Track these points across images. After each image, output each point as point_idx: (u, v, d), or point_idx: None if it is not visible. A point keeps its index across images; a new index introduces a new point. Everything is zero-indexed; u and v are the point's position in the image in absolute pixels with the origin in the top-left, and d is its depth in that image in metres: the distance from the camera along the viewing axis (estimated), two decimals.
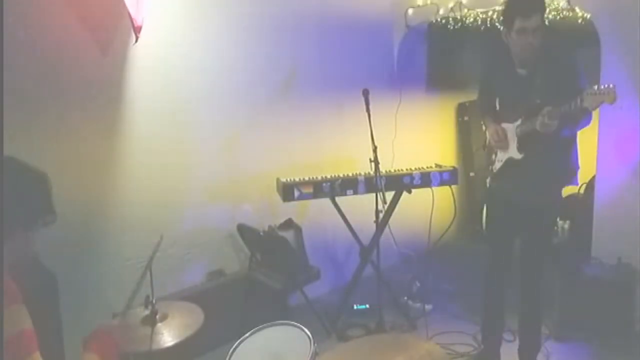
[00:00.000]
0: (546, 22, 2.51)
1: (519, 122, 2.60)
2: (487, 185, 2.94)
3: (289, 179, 3.37)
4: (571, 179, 2.69)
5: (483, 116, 2.92)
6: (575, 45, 3.83)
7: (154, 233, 3.15)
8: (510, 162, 2.69)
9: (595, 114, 3.36)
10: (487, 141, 2.90)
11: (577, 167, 2.66)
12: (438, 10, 4.06)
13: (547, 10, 3.52)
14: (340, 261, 4.28)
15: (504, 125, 2.70)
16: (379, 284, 3.32)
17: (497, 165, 2.78)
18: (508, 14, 2.51)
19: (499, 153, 2.78)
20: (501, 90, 2.74)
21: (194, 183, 3.34)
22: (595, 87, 2.21)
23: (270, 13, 3.60)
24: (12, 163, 1.41)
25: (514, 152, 2.65)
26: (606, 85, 2.18)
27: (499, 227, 2.88)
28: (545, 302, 2.82)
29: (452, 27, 4.19)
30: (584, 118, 2.51)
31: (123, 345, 1.82)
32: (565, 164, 2.64)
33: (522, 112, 2.57)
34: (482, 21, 4.04)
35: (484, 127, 2.92)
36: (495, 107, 2.79)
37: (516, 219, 2.73)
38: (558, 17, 3.65)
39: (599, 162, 3.45)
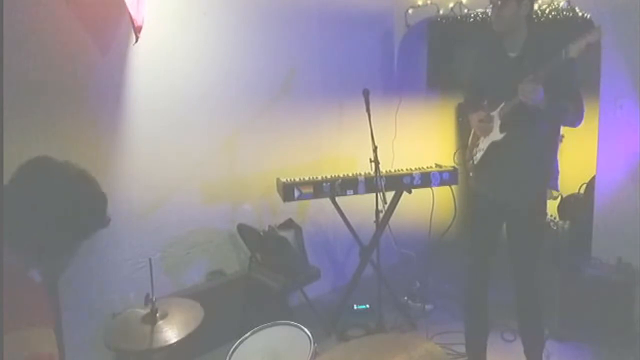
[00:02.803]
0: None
1: (502, 105, 2.55)
2: (468, 181, 2.90)
3: (289, 179, 3.37)
4: (552, 180, 2.66)
5: (469, 113, 2.83)
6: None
7: (154, 233, 3.18)
8: (492, 147, 2.63)
9: (595, 115, 3.39)
10: (470, 138, 2.84)
11: (557, 171, 2.64)
12: (438, 10, 4.07)
13: (546, 8, 3.54)
14: (340, 261, 4.28)
15: (491, 114, 2.65)
16: (379, 284, 3.32)
17: (479, 155, 2.72)
18: None
19: (480, 143, 2.71)
20: (490, 78, 2.68)
21: (194, 183, 3.35)
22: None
23: (270, 13, 3.61)
24: (70, 170, 1.32)
25: (495, 135, 2.60)
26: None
27: (481, 222, 2.80)
28: (543, 299, 2.78)
29: (452, 27, 4.19)
30: (573, 106, 2.45)
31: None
32: (547, 158, 2.61)
33: (506, 95, 2.50)
34: (482, 21, 4.04)
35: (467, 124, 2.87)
36: (481, 102, 2.72)
37: (499, 211, 2.67)
38: (558, 17, 3.65)
39: (599, 162, 3.45)
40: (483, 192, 2.75)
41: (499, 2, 2.46)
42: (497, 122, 2.60)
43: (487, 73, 2.70)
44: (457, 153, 3.25)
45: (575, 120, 2.54)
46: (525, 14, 2.50)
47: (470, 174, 2.85)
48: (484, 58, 2.77)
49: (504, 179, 2.62)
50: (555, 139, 2.63)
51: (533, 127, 2.50)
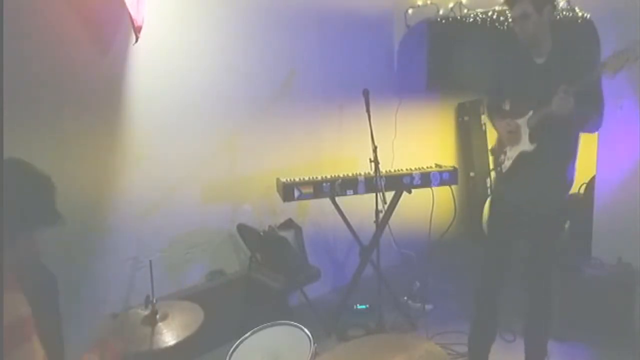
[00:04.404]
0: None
1: (530, 114, 2.53)
2: (491, 186, 2.91)
3: (289, 179, 3.37)
4: (569, 188, 2.66)
5: (491, 116, 2.84)
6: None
7: (154, 233, 3.18)
8: (522, 156, 2.61)
9: None
10: (495, 143, 2.83)
11: (573, 180, 2.63)
12: (438, 10, 4.07)
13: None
14: (340, 261, 4.28)
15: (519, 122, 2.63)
16: (379, 284, 3.32)
17: (507, 163, 2.69)
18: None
19: (508, 151, 2.69)
20: (515, 85, 2.66)
21: (194, 183, 3.35)
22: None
23: (270, 13, 3.61)
24: (16, 164, 1.44)
25: (525, 145, 2.57)
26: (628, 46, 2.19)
27: (504, 228, 2.80)
28: (553, 310, 2.79)
29: (452, 27, 4.19)
30: (594, 113, 2.45)
31: (124, 349, 1.83)
32: (570, 166, 2.60)
33: (534, 104, 2.50)
34: (482, 21, 4.04)
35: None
36: (503, 105, 2.71)
37: (524, 220, 2.66)
38: (558, 17, 3.65)
39: (599, 162, 3.45)
40: (510, 199, 2.73)
41: (519, 17, 2.44)
42: (525, 131, 2.57)
43: (514, 79, 2.67)
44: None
45: (595, 126, 2.54)
46: (549, 21, 2.47)
47: (494, 180, 2.87)
48: (511, 63, 2.72)
49: (532, 187, 2.61)
50: (575, 146, 2.60)
51: (561, 136, 2.50)
